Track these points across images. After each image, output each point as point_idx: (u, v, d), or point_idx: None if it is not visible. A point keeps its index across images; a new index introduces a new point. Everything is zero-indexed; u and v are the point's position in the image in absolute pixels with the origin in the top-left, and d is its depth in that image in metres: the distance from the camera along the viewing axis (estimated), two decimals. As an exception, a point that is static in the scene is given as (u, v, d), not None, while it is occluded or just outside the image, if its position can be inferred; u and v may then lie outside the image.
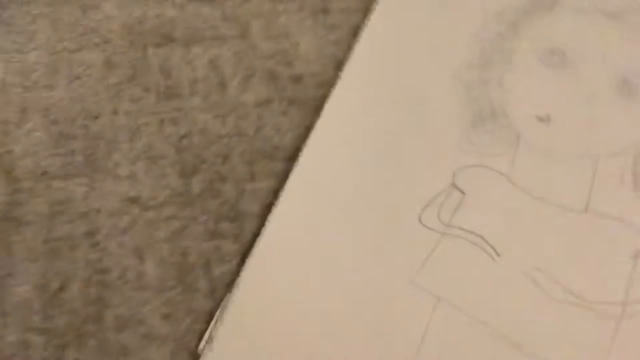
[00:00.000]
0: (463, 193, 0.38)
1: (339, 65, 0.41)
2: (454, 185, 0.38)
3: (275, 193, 0.37)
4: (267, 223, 0.36)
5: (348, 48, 0.42)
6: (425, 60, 0.42)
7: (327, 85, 0.41)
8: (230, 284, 0.35)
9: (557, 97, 0.41)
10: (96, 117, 0.39)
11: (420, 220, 0.37)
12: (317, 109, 0.40)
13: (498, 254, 0.37)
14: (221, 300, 0.34)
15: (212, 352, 0.33)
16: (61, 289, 0.35)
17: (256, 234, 0.36)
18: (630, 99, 0.41)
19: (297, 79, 0.41)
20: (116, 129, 0.38)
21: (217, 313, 0.34)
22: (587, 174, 0.39)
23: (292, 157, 0.38)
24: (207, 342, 0.33)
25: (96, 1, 0.42)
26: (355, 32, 0.42)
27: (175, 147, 0.38)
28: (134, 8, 0.42)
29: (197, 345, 0.33)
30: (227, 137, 0.39)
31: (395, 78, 0.41)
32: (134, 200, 0.37)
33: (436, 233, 0.37)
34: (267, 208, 0.37)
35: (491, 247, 0.37)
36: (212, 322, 0.34)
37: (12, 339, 0.34)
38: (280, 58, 0.41)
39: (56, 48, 0.40)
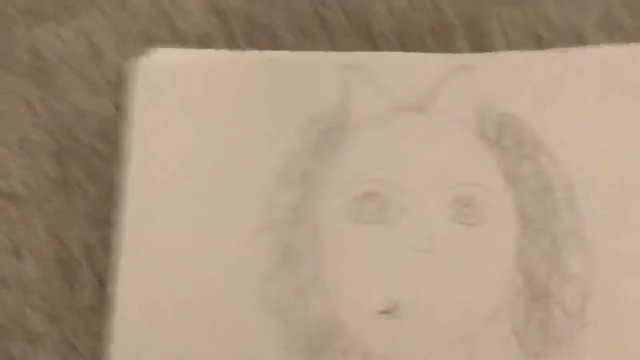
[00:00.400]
0: None
1: (224, 20, 0.38)
2: None
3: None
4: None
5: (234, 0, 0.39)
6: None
7: (210, 43, 0.37)
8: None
9: (396, 267, 0.31)
10: (-41, 110, 0.35)
11: None
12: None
13: None
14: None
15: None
16: None
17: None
18: (474, 224, 0.32)
19: (182, 41, 0.37)
20: (-18, 121, 0.35)
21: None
22: None
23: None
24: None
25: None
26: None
27: (48, 132, 0.35)
28: (-5, -13, 0.38)
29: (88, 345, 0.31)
30: (104, 113, 0.36)
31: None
32: (6, 196, 0.33)
33: None
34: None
35: None
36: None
37: None
38: (162, 20, 0.38)
39: None
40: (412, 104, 0.34)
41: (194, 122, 0.34)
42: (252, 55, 0.36)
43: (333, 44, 0.37)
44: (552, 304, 0.31)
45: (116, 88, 0.36)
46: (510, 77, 0.35)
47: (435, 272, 0.31)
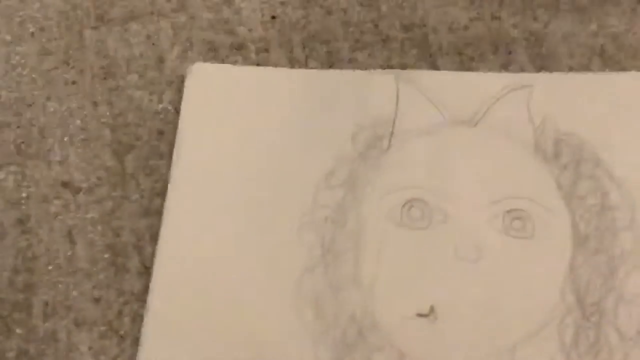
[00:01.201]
0: None
1: (282, 28, 0.39)
2: None
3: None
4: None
5: (292, 9, 0.40)
6: (253, 286, 0.31)
7: (268, 50, 0.38)
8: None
9: (437, 273, 0.31)
10: (30, 105, 0.37)
11: None
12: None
13: None
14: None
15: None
16: (-11, 279, 0.33)
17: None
18: (525, 237, 0.31)
19: (239, 47, 0.39)
20: (49, 115, 0.37)
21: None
22: None
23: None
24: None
25: (34, -9, 0.41)
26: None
27: (109, 127, 0.37)
28: (72, -6, 0.41)
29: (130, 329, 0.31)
30: (164, 113, 0.37)
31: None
32: (65, 184, 0.35)
33: None
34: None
35: None
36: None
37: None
38: (221, 27, 0.39)
39: (-8, 41, 0.40)
40: (466, 118, 0.34)
41: (241, 127, 0.35)
42: (303, 71, 0.37)
43: (389, 57, 0.38)
44: (605, 324, 0.30)
45: (175, 90, 0.37)
46: (571, 96, 0.35)
47: (479, 282, 0.31)
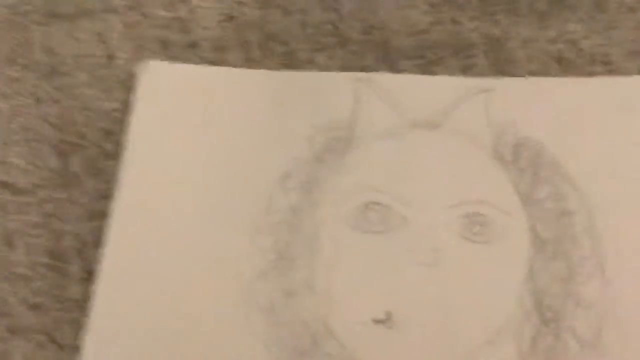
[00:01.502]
0: None
1: (239, 28, 0.38)
2: None
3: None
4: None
5: (250, 9, 0.39)
6: (200, 286, 0.30)
7: (225, 50, 0.37)
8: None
9: (394, 278, 0.30)
10: (-30, 103, 0.36)
11: None
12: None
13: None
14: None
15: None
16: None
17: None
18: (483, 242, 0.31)
19: (194, 46, 0.38)
20: (-10, 113, 0.36)
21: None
22: None
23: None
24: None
25: (-22, -14, 0.39)
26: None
27: (54, 127, 0.35)
28: (20, -11, 0.39)
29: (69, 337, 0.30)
30: (113, 112, 0.36)
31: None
32: (5, 185, 0.33)
33: None
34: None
35: None
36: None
37: None
38: (176, 25, 0.38)
39: None
40: (426, 121, 0.34)
41: (195, 127, 0.34)
42: (260, 71, 0.36)
43: (348, 59, 0.37)
44: (563, 330, 0.30)
45: (126, 89, 0.36)
46: (530, 101, 0.35)
47: (437, 287, 0.30)
